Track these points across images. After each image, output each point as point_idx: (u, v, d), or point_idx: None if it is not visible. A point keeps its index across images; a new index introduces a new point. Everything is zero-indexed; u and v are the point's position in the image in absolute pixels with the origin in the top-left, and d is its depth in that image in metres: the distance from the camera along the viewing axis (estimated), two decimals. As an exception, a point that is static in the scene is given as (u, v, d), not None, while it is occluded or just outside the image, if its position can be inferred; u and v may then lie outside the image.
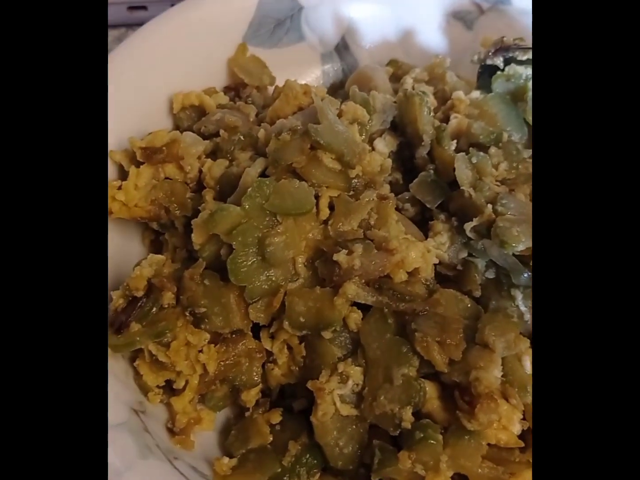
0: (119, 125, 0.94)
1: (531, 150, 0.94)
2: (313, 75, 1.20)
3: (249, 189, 0.80)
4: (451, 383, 0.76)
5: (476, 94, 1.03)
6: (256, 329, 0.84)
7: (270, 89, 1.13)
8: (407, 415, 0.74)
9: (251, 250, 0.80)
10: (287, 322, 0.79)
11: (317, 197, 0.83)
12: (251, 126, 0.97)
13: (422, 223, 0.90)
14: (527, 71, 1.01)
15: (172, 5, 1.08)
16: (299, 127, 0.85)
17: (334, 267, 0.79)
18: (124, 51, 1.01)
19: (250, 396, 0.84)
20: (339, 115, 0.90)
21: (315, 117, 0.86)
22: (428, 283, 0.83)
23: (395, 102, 0.98)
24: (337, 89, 1.19)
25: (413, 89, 1.04)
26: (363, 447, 0.78)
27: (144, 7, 1.35)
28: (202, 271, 0.81)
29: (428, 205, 0.89)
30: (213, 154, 0.95)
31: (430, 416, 0.77)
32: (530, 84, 1.01)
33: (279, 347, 0.83)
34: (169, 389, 0.84)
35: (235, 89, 1.09)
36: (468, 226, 0.83)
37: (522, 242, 0.78)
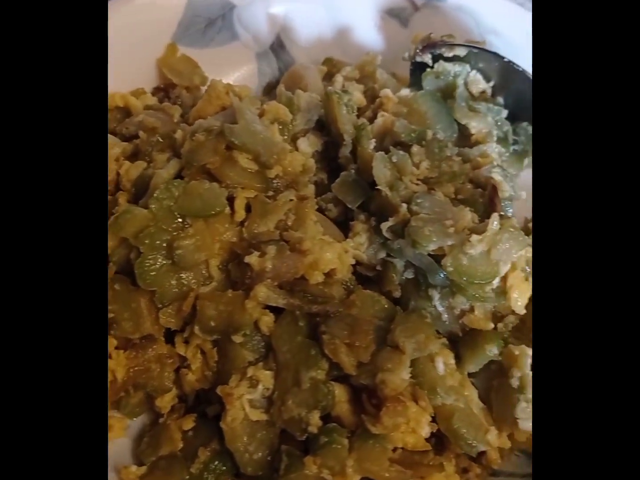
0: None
1: (457, 148, 0.94)
2: (248, 75, 1.18)
3: (157, 191, 0.79)
4: (360, 386, 0.75)
5: (406, 91, 1.02)
6: (171, 334, 0.83)
7: (204, 89, 1.10)
8: (314, 419, 0.73)
9: (160, 254, 0.78)
10: (197, 327, 0.78)
11: (232, 198, 0.82)
12: (175, 127, 0.94)
13: (345, 224, 0.89)
14: (455, 68, 1.02)
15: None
16: (214, 127, 0.84)
17: (246, 269, 0.78)
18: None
19: (165, 402, 0.82)
20: (260, 115, 0.89)
21: (234, 117, 0.85)
22: (347, 284, 0.82)
23: (321, 100, 0.96)
24: (273, 88, 1.15)
25: (343, 87, 1.03)
26: (274, 453, 0.76)
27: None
28: (112, 276, 0.80)
29: (349, 205, 0.88)
30: (133, 156, 0.92)
31: (339, 420, 0.76)
32: (458, 80, 1.00)
33: (192, 352, 0.81)
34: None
35: (164, 90, 1.08)
36: (384, 226, 0.81)
37: (433, 242, 0.77)
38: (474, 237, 0.75)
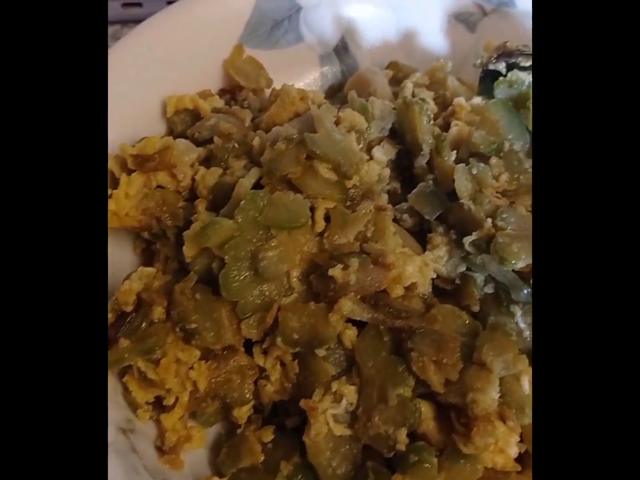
0: (111, 129, 0.90)
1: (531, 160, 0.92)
2: (311, 77, 1.17)
3: (242, 202, 0.78)
4: (447, 404, 0.75)
5: (478, 99, 1.00)
6: (248, 345, 0.82)
7: (268, 91, 1.11)
8: (402, 436, 0.73)
9: (244, 265, 0.78)
10: (280, 339, 0.77)
11: (312, 208, 0.82)
12: (246, 132, 0.95)
13: (421, 234, 0.88)
14: (529, 78, 0.99)
15: (168, 2, 1.06)
16: (294, 136, 0.83)
17: (329, 282, 0.77)
18: (118, 51, 0.98)
19: (242, 413, 0.82)
20: (337, 123, 0.88)
21: (311, 125, 0.84)
22: (425, 297, 0.82)
23: (394, 108, 0.95)
24: (336, 92, 1.16)
25: (413, 94, 1.01)
26: (356, 468, 0.76)
27: (138, 4, 1.33)
28: (193, 285, 0.79)
29: (426, 217, 0.87)
30: (207, 161, 0.93)
31: (425, 437, 0.75)
32: (532, 90, 0.99)
33: (271, 364, 0.81)
34: (159, 405, 0.82)
35: (231, 92, 1.07)
36: (467, 240, 0.81)
37: (522, 259, 0.76)
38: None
